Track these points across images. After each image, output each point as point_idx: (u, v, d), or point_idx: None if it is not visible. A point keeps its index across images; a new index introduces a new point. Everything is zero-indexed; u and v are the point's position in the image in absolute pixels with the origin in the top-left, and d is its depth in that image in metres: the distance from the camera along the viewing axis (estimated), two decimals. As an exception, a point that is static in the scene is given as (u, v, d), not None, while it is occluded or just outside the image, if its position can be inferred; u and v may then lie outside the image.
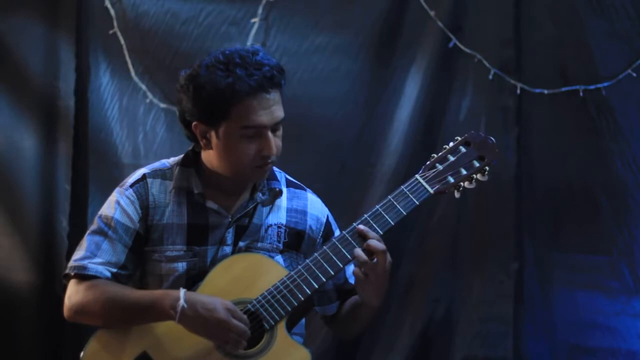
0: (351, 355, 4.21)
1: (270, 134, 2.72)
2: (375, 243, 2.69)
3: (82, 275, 2.78)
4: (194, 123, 2.76)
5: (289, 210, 2.89)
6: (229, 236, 2.82)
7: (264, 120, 2.70)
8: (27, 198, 4.44)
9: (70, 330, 4.30)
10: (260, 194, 2.85)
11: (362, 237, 2.72)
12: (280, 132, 2.76)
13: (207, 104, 2.71)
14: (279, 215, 2.88)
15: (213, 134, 2.75)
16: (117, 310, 2.74)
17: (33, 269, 4.43)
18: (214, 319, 2.66)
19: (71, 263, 2.81)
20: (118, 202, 2.82)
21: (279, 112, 2.73)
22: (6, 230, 4.43)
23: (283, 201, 2.89)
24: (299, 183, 2.96)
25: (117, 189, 2.86)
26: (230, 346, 2.68)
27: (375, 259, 2.70)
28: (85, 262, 2.78)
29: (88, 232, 2.84)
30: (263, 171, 2.79)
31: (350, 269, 2.92)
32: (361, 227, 2.72)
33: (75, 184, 4.42)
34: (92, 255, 2.79)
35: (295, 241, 2.88)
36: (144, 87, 4.38)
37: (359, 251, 2.69)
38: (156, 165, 2.90)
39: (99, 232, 2.81)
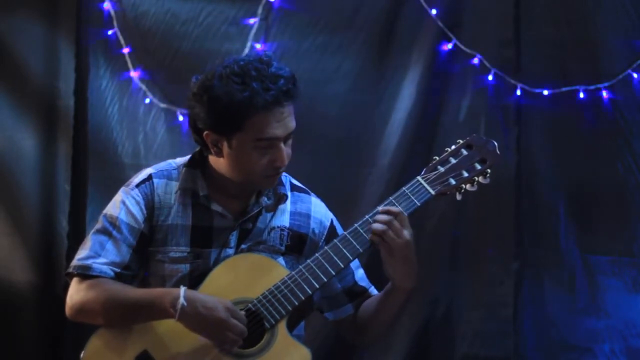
0: (351, 356, 4.21)
1: (282, 145, 2.73)
2: (380, 216, 2.69)
3: (85, 275, 2.78)
4: (205, 132, 2.76)
5: (292, 213, 2.90)
6: (232, 239, 2.82)
7: (277, 133, 2.71)
8: (27, 198, 4.43)
9: (71, 330, 4.30)
10: (266, 199, 2.86)
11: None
12: (290, 141, 2.77)
13: (222, 116, 2.70)
14: (282, 218, 2.88)
15: (225, 143, 2.74)
16: (118, 309, 2.75)
17: (33, 269, 4.43)
18: (213, 318, 2.66)
19: (75, 262, 2.81)
20: (123, 202, 2.83)
21: (291, 124, 2.74)
22: (6, 230, 4.42)
23: (287, 205, 2.90)
24: (303, 187, 2.97)
25: (123, 189, 2.86)
26: (228, 345, 2.69)
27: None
28: (89, 261, 2.79)
29: (92, 231, 2.84)
30: (273, 180, 2.80)
31: (360, 272, 2.94)
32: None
33: (75, 184, 4.42)
34: (97, 254, 2.79)
35: (298, 244, 2.88)
36: (144, 87, 4.38)
37: (376, 225, 2.68)
38: (162, 165, 2.90)
39: (103, 231, 2.82)
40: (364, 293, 2.91)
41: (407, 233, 2.70)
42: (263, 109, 2.67)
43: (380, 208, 2.74)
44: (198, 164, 2.86)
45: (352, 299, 2.93)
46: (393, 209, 2.71)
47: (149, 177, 2.85)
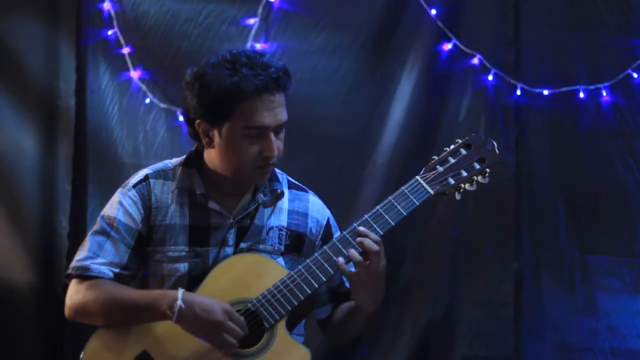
0: (350, 356, 4.21)
1: (272, 135, 2.73)
2: (369, 243, 2.69)
3: (84, 275, 2.79)
4: (197, 121, 2.77)
5: (290, 212, 2.90)
6: (231, 237, 2.83)
7: (266, 121, 2.71)
8: (27, 198, 4.42)
9: (70, 330, 4.30)
10: (262, 195, 2.86)
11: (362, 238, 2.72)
12: (282, 135, 2.77)
13: (212, 102, 2.71)
14: (280, 217, 2.88)
15: (216, 132, 2.76)
16: (117, 310, 2.76)
17: (33, 269, 4.42)
18: (211, 320, 2.67)
19: (74, 263, 2.83)
20: (121, 203, 2.83)
21: (282, 115, 2.74)
22: (6, 230, 4.41)
23: (285, 203, 2.90)
24: (300, 185, 2.97)
25: (120, 190, 2.87)
26: (225, 348, 2.69)
27: (368, 261, 2.70)
28: (87, 262, 2.80)
29: (90, 232, 2.85)
30: (263, 172, 2.80)
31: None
32: (361, 228, 2.72)
33: (75, 184, 4.42)
34: (95, 255, 2.80)
35: (296, 244, 2.89)
36: (144, 87, 4.38)
37: (352, 251, 2.70)
38: (158, 165, 2.91)
39: (101, 232, 2.83)
40: (345, 295, 2.91)
41: (383, 265, 2.72)
42: (252, 95, 2.68)
43: (379, 206, 2.74)
44: (194, 163, 2.87)
45: (333, 299, 2.94)
46: (373, 247, 2.70)
47: (146, 178, 2.86)
